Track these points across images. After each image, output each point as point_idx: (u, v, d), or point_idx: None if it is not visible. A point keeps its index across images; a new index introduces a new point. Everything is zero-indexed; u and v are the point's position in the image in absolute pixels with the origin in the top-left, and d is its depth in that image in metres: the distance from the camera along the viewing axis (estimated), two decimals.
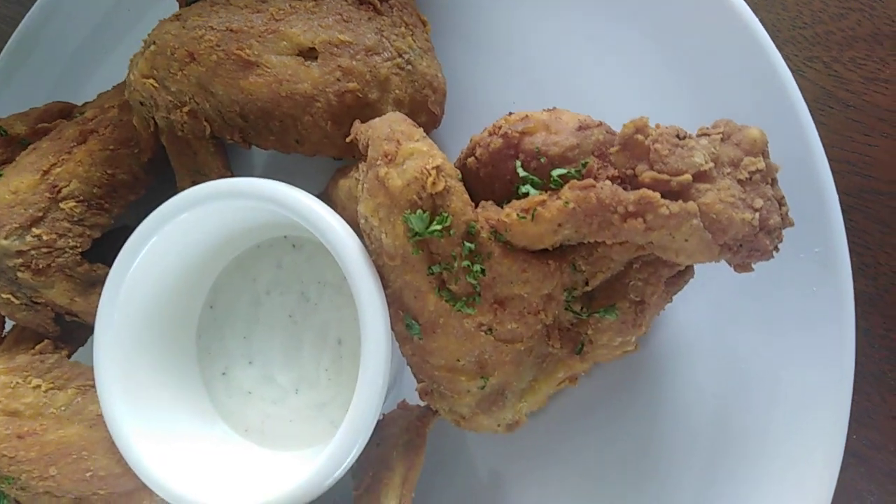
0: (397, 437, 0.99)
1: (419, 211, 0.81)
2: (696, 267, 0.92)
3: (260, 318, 1.09)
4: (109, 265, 1.00)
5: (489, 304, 0.85)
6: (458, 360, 0.90)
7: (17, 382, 1.05)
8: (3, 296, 1.05)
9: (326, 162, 1.08)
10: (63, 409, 1.05)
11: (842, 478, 0.92)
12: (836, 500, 0.91)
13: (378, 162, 0.84)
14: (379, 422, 1.05)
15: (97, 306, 1.04)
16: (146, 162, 1.11)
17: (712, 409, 0.96)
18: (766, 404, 0.93)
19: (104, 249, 1.10)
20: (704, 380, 0.96)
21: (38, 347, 1.08)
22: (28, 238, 1.04)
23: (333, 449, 0.88)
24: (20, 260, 1.04)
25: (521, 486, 1.05)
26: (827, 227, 0.91)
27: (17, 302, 1.06)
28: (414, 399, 1.03)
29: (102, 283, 1.05)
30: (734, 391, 0.95)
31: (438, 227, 0.81)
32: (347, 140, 0.93)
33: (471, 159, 0.88)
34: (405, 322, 0.89)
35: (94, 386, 1.07)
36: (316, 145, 1.01)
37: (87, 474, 1.03)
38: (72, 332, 1.14)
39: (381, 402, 0.90)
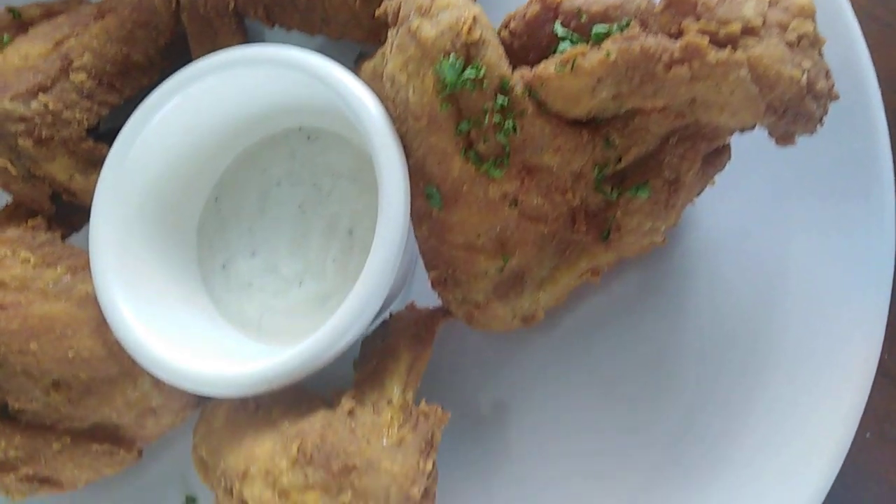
0: (404, 331, 0.94)
1: (452, 56, 0.78)
2: (726, 169, 0.90)
3: (267, 209, 1.04)
4: None
5: (517, 171, 0.82)
6: (479, 237, 0.85)
7: (6, 254, 0.99)
8: (0, 162, 1.00)
9: (351, 52, 1.05)
10: (51, 285, 0.99)
11: (871, 395, 0.88)
12: (866, 417, 0.87)
13: (411, 16, 0.82)
14: (385, 321, 1.00)
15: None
16: (163, 46, 1.08)
17: (742, 313, 0.91)
18: (800, 309, 0.89)
19: (111, 135, 1.06)
20: (734, 283, 0.92)
21: (30, 223, 1.02)
22: (33, 104, 0.99)
23: (334, 322, 0.83)
24: (23, 126, 0.99)
25: (534, 397, 0.99)
26: (868, 128, 0.88)
27: (14, 172, 1.01)
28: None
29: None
30: (764, 295, 0.91)
31: (471, 75, 0.78)
32: (377, 13, 0.90)
33: (504, 32, 0.86)
34: (426, 193, 0.85)
35: (85, 268, 1.02)
36: (342, 26, 0.99)
37: (70, 353, 0.96)
38: (67, 215, 1.08)
39: (388, 287, 0.85)
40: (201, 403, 1.03)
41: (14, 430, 1.01)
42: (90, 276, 1.01)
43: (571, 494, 0.94)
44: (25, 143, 0.99)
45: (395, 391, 0.87)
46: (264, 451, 0.83)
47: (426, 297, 0.99)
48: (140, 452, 1.09)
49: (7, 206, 1.08)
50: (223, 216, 1.06)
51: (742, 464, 0.91)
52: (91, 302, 1.00)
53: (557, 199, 0.84)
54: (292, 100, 0.99)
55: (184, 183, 1.04)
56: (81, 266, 1.02)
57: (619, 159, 0.83)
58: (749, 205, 0.93)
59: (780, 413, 0.89)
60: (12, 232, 1.01)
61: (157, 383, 1.01)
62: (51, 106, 1.00)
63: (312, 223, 1.01)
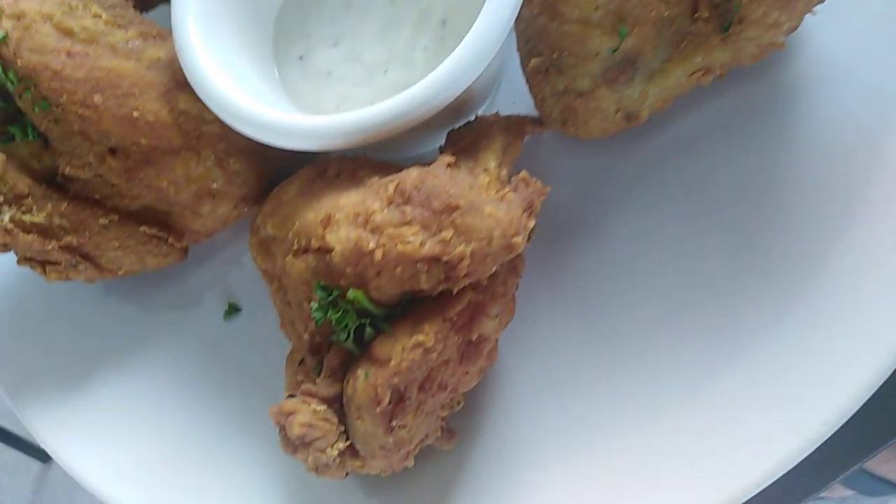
0: (496, 121, 0.89)
1: None
2: None
3: (353, 1, 0.99)
4: None
5: None
6: (596, 9, 0.81)
7: (76, 5, 0.93)
8: None
9: None
10: (121, 43, 0.93)
11: None
12: None
13: None
14: (470, 121, 0.95)
15: None
16: None
17: (854, 142, 0.87)
18: None
19: None
20: (849, 107, 0.88)
21: None
22: None
23: (451, 64, 0.78)
24: None
25: (628, 211, 0.94)
26: None
27: None
28: None
29: None
30: (880, 122, 0.87)
31: None
32: None
33: None
34: None
35: (157, 37, 0.97)
36: None
37: (135, 113, 0.90)
38: None
39: (503, 38, 0.80)
40: (263, 196, 0.96)
41: (62, 198, 0.94)
42: (163, 45, 0.96)
43: (653, 315, 0.90)
44: None
45: (490, 163, 0.82)
46: (352, 199, 0.77)
47: None
48: (186, 251, 1.03)
49: None
50: (304, 7, 1.01)
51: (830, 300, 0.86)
52: (162, 68, 0.94)
53: None
54: None
55: None
56: (153, 34, 0.97)
57: None
58: (868, 26, 0.90)
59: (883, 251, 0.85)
60: None
61: (222, 163, 0.95)
62: None
63: (403, 14, 0.96)
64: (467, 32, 0.84)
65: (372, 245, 0.72)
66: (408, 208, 0.72)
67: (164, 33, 0.98)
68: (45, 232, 0.93)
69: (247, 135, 0.87)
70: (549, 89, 0.87)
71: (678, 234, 0.91)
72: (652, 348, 0.89)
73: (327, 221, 0.76)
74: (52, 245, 0.93)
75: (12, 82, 0.90)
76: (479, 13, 0.83)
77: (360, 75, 0.95)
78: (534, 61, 0.87)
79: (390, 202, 0.73)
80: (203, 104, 0.91)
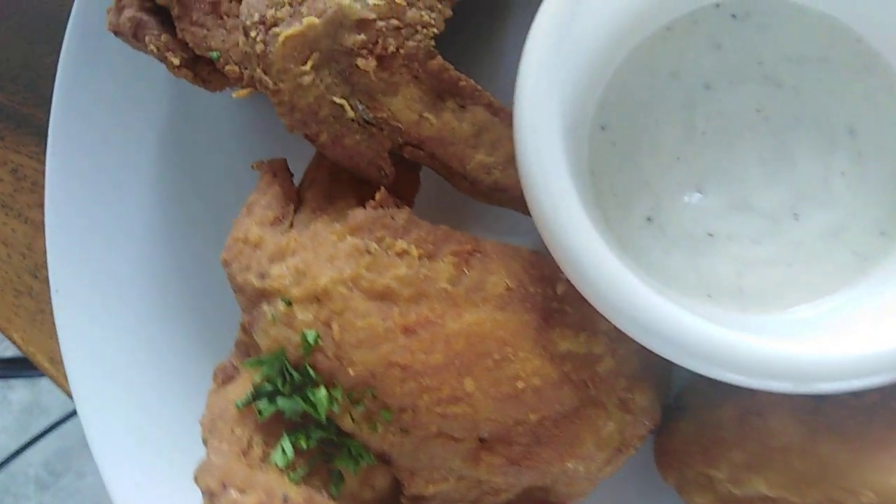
0: None
1: None
2: None
3: (698, 124, 0.72)
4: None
5: None
6: None
7: (373, 248, 0.61)
8: (337, 100, 0.60)
9: None
10: (450, 285, 0.62)
11: None
12: None
13: None
14: None
15: (451, 128, 0.66)
16: None
17: None
18: None
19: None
20: None
21: (378, 198, 0.63)
22: None
23: None
24: (363, 36, 0.60)
25: None
26: None
27: (352, 115, 0.62)
28: None
29: (455, 93, 0.66)
30: None
31: None
32: None
33: None
34: None
35: (474, 253, 0.66)
36: None
37: (519, 385, 0.60)
38: (401, 183, 0.70)
39: None
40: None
41: None
42: (488, 264, 0.66)
43: None
44: (366, 64, 0.61)
45: None
46: None
47: None
48: None
49: (313, 179, 0.67)
50: (623, 147, 0.73)
51: None
52: (515, 301, 0.64)
53: None
54: None
55: (571, 108, 0.70)
56: (471, 252, 0.66)
57: None
58: None
59: None
60: (360, 214, 0.62)
61: (626, 404, 0.67)
62: (397, 0, 0.62)
63: (787, 131, 0.70)
64: (888, 139, 0.61)
65: None
66: None
67: (440, 236, 0.67)
68: None
69: (708, 374, 0.60)
70: None
71: None
72: None
73: None
74: None
75: (336, 400, 0.57)
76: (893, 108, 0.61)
77: (758, 229, 0.70)
78: None
79: None
80: (584, 334, 0.63)
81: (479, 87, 0.69)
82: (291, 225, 0.62)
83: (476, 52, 0.82)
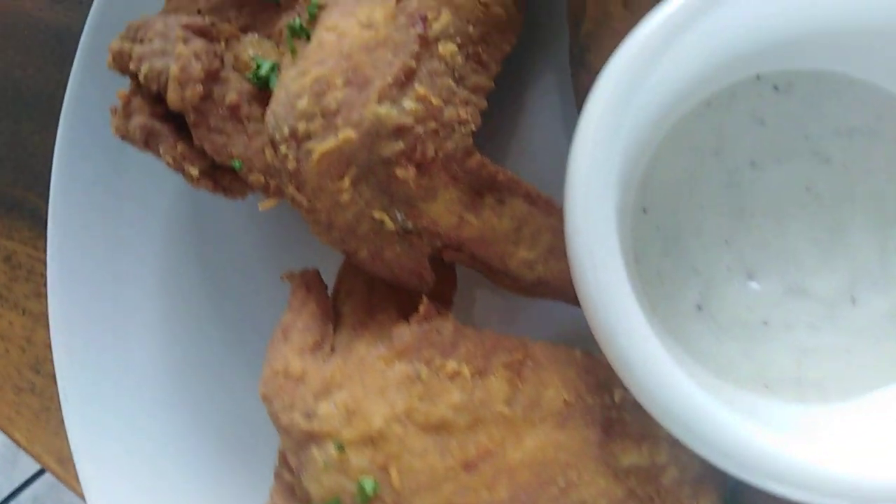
0: None
1: None
2: None
3: (746, 205, 0.69)
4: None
5: None
6: None
7: (423, 374, 0.56)
8: (377, 215, 0.56)
9: None
10: (509, 406, 0.58)
11: None
12: None
13: None
14: None
15: (491, 226, 0.62)
16: None
17: None
18: None
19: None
20: None
21: (422, 311, 0.59)
22: (407, 102, 0.57)
23: None
24: (401, 144, 0.56)
25: None
26: None
27: (391, 226, 0.57)
28: None
29: (494, 189, 0.63)
30: None
31: None
32: None
33: None
34: None
35: (525, 362, 0.62)
36: None
37: None
38: (439, 284, 0.65)
39: None
40: None
41: None
42: (542, 375, 0.62)
43: None
44: (405, 173, 0.56)
45: None
46: None
47: None
48: None
49: (350, 291, 0.62)
50: (668, 231, 0.69)
51: None
52: (574, 416, 0.60)
53: None
54: (741, 41, 0.65)
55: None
56: (520, 360, 0.62)
57: None
58: None
59: None
60: (405, 333, 0.58)
61: None
62: (431, 101, 0.57)
63: (839, 210, 0.67)
64: None
65: None
66: None
67: (489, 347, 0.63)
68: None
69: (770, 490, 0.56)
70: None
71: None
72: None
73: None
74: None
75: None
76: None
77: (815, 315, 0.66)
78: None
79: None
80: (646, 444, 0.60)
81: (515, 178, 0.66)
82: (332, 349, 0.58)
83: (499, 136, 0.78)
